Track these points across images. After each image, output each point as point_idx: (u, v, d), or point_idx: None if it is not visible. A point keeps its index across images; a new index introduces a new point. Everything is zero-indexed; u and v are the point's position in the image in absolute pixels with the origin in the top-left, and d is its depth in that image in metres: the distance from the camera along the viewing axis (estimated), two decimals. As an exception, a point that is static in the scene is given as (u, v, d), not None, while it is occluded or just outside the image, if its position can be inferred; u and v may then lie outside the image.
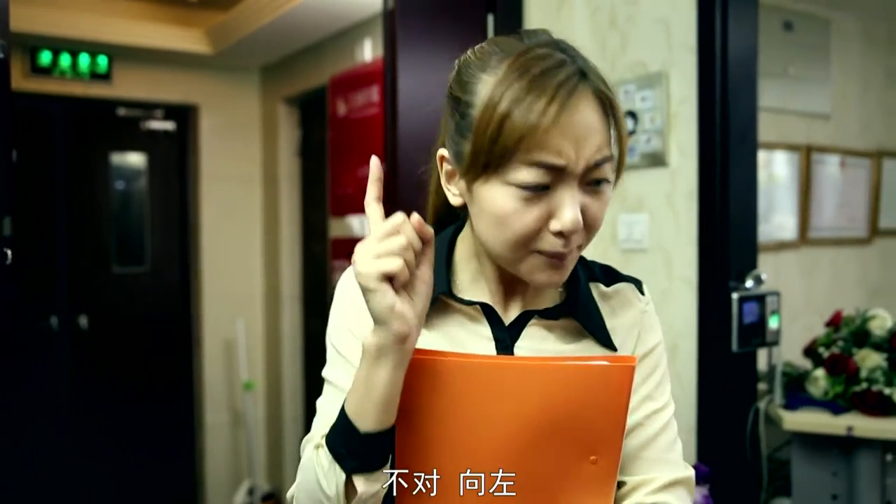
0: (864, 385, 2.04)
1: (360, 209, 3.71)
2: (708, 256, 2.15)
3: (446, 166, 0.87)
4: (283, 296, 4.33)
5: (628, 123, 2.40)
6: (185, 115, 4.44)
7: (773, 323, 2.12)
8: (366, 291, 0.74)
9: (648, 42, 2.36)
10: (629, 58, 2.43)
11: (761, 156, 3.33)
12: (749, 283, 2.13)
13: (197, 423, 4.44)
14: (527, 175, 0.78)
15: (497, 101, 0.78)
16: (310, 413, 4.37)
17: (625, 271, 1.01)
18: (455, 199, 0.87)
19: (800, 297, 3.42)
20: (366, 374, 0.78)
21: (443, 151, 0.88)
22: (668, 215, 2.29)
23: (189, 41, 4.04)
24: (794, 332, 2.59)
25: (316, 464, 0.82)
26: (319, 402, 0.93)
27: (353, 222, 3.67)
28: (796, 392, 2.19)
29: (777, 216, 3.42)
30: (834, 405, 2.08)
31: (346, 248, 3.72)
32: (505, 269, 0.88)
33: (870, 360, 2.07)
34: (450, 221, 0.97)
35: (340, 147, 3.75)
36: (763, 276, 2.14)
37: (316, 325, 4.15)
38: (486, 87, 0.80)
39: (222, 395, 4.40)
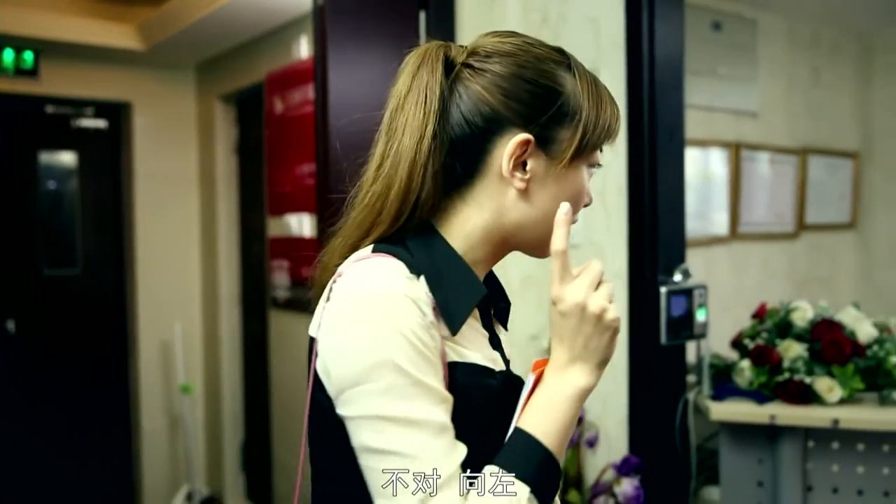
0: (787, 375, 2.10)
1: (299, 208, 3.67)
2: (637, 251, 2.19)
3: (520, 151, 0.86)
4: (222, 297, 4.26)
5: (560, 121, 2.43)
6: (117, 113, 4.33)
7: (700, 316, 2.17)
8: (608, 333, 0.83)
9: (579, 40, 2.39)
10: (560, 56, 2.45)
11: (695, 153, 3.41)
12: (677, 277, 2.17)
13: (133, 428, 4.33)
14: (598, 157, 0.92)
15: (598, 101, 0.89)
16: (250, 415, 4.35)
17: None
18: (519, 184, 0.87)
19: (730, 291, 3.51)
20: (573, 415, 0.82)
21: (525, 136, 0.86)
22: (599, 211, 2.32)
23: (120, 37, 3.94)
24: (724, 324, 2.65)
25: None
26: (415, 450, 0.75)
27: (292, 221, 3.64)
28: (724, 383, 2.25)
29: (709, 212, 3.51)
30: (758, 395, 2.14)
31: (284, 248, 3.68)
32: (487, 262, 0.92)
33: (792, 351, 2.13)
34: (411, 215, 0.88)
35: (278, 145, 3.70)
36: (691, 270, 2.19)
37: (255, 326, 4.10)
38: (570, 82, 0.88)
39: (159, 400, 4.30)
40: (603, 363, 0.83)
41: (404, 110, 0.87)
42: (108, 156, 4.36)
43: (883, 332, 2.18)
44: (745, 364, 2.19)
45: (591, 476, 2.28)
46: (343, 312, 0.79)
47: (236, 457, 4.20)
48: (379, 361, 0.75)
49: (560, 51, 0.91)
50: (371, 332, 0.76)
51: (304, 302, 3.46)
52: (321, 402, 0.82)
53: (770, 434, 2.13)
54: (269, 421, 3.83)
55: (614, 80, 2.27)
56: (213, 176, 4.30)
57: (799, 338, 2.18)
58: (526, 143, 0.86)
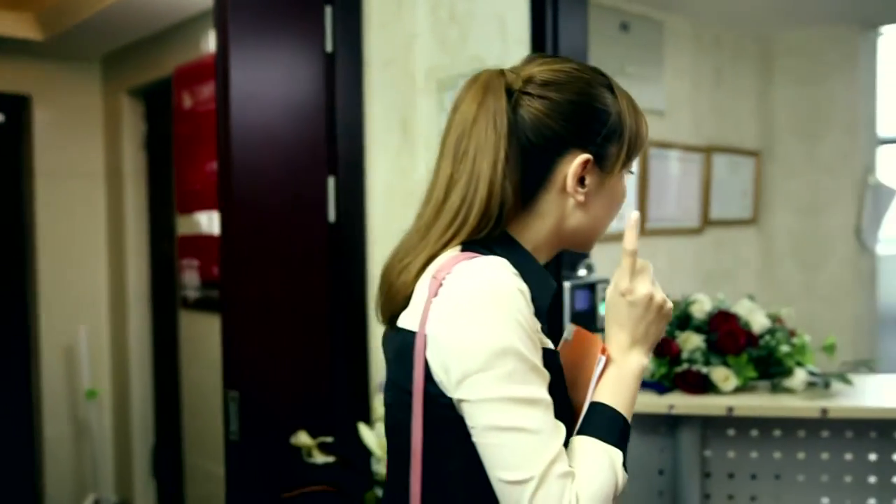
0: (685, 365, 2.16)
1: (209, 206, 3.57)
2: (542, 247, 2.22)
3: (582, 170, 0.99)
4: (130, 298, 4.12)
5: (467, 117, 2.44)
6: (16, 107, 4.14)
7: (603, 310, 2.21)
8: (664, 320, 1.01)
9: (485, 37, 2.41)
10: (468, 52, 2.47)
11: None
12: (581, 272, 2.21)
13: (35, 436, 4.16)
14: (635, 166, 1.07)
15: (634, 114, 1.02)
16: (161, 419, 4.23)
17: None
18: (580, 198, 0.99)
19: (639, 285, 3.61)
20: (637, 389, 1.00)
21: (586, 156, 0.98)
22: (505, 207, 2.34)
23: (17, 26, 3.76)
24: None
25: (612, 468, 0.90)
26: (537, 426, 0.85)
27: (202, 219, 3.55)
28: (627, 375, 2.30)
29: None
30: (659, 386, 2.20)
31: (194, 246, 3.59)
32: (546, 260, 1.05)
33: (690, 342, 2.20)
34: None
35: (187, 141, 3.61)
36: (600, 266, 2.23)
37: (164, 327, 3.98)
38: (614, 102, 1.01)
39: (63, 406, 4.14)
40: (654, 346, 1.02)
41: (474, 135, 0.96)
42: (7, 151, 4.16)
43: (775, 322, 2.27)
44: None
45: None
46: (465, 305, 0.88)
47: (146, 462, 4.07)
48: (503, 349, 0.86)
49: (602, 73, 1.04)
50: (494, 322, 0.86)
51: (215, 301, 3.39)
52: (429, 392, 0.91)
53: (670, 423, 2.20)
54: (181, 425, 3.73)
55: (519, 78, 2.29)
56: (121, 172, 4.15)
57: (698, 329, 2.25)
58: (587, 162, 0.98)
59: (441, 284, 0.91)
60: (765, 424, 2.16)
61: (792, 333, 2.23)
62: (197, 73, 3.48)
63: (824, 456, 2.16)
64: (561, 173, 0.98)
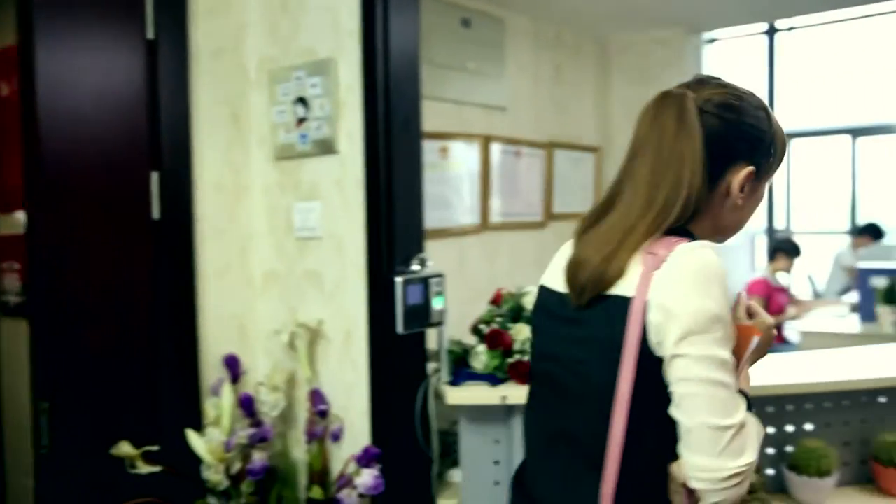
0: (518, 356, 2.20)
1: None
2: (375, 242, 2.20)
3: (747, 180, 1.19)
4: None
5: (300, 110, 2.38)
6: None
7: (437, 304, 2.22)
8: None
9: (317, 28, 2.36)
10: (300, 43, 2.41)
11: (446, 145, 3.51)
12: (415, 267, 2.21)
13: None
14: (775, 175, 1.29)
15: (781, 132, 1.24)
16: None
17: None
18: (740, 202, 1.20)
19: (483, 279, 3.66)
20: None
21: (751, 168, 1.19)
22: (339, 203, 2.30)
23: None
24: (477, 312, 2.74)
25: (760, 425, 1.11)
26: (731, 382, 1.06)
27: (22, 218, 3.28)
28: (463, 368, 2.32)
29: (461, 202, 3.63)
30: (493, 377, 2.22)
31: (14, 247, 3.31)
32: None
33: (522, 334, 2.24)
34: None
35: (4, 133, 3.32)
36: (442, 260, 2.23)
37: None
38: (768, 122, 1.22)
39: None
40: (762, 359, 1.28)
41: (675, 146, 1.14)
42: None
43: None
44: (481, 348, 2.27)
45: (337, 469, 2.27)
46: (692, 277, 1.07)
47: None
48: (718, 316, 1.06)
49: (757, 96, 1.23)
50: (715, 294, 1.06)
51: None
52: (642, 347, 1.08)
53: (505, 414, 2.23)
54: (3, 440, 3.44)
55: (352, 70, 2.26)
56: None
57: (530, 321, 2.29)
58: (751, 174, 1.19)
59: (663, 261, 1.09)
60: (593, 410, 2.24)
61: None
62: (13, 58, 3.21)
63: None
64: (727, 181, 1.19)
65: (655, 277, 1.08)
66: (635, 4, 4.21)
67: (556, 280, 1.26)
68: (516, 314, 2.34)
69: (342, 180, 2.29)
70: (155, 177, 2.28)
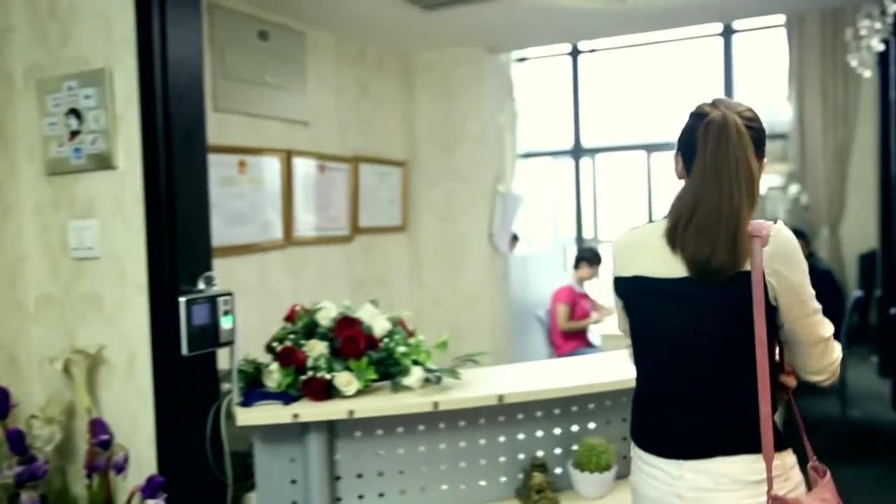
0: (311, 373, 2.18)
1: None
2: (157, 261, 2.10)
3: (764, 167, 1.59)
4: None
5: (73, 123, 2.24)
6: None
7: (226, 323, 2.16)
8: None
9: (89, 36, 2.23)
10: (71, 52, 2.26)
11: (245, 159, 3.42)
12: (201, 286, 2.13)
13: None
14: None
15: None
16: None
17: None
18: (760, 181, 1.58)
19: (287, 295, 3.60)
20: None
21: (765, 160, 1.59)
22: (118, 220, 2.18)
23: None
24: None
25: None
26: (821, 308, 1.54)
27: None
28: (257, 387, 2.27)
29: (263, 218, 3.56)
30: (286, 395, 2.19)
31: None
32: None
33: (315, 350, 2.22)
34: None
35: None
36: (214, 278, 2.16)
37: None
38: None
39: None
40: None
41: (741, 153, 1.49)
42: None
43: (396, 325, 2.39)
44: (274, 367, 2.23)
45: (122, 502, 2.14)
46: (793, 249, 1.50)
47: None
48: (807, 274, 1.52)
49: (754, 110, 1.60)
50: (801, 256, 1.51)
51: None
52: (767, 301, 1.49)
53: (299, 432, 2.20)
54: None
55: (129, 82, 2.15)
56: None
57: (324, 337, 2.29)
58: (765, 164, 1.59)
59: (768, 238, 1.47)
60: (388, 423, 2.27)
61: (410, 334, 2.37)
62: None
63: (442, 446, 2.32)
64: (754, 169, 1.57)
65: (767, 252, 1.48)
66: (436, 24, 4.33)
67: (659, 269, 1.57)
68: (310, 330, 2.33)
69: (121, 197, 2.17)
70: None
